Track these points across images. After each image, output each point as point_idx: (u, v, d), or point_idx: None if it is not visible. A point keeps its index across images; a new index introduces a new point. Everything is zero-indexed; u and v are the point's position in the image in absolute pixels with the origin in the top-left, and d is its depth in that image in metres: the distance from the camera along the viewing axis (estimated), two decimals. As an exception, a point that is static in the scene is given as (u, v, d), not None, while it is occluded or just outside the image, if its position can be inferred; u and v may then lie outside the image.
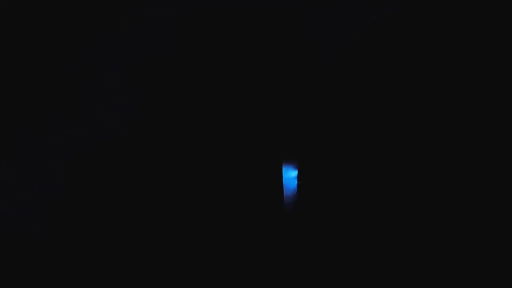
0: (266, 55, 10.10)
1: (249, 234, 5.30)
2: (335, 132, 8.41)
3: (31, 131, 4.45)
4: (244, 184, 6.07)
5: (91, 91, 4.99)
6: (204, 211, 5.27)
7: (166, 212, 5.09)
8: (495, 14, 5.90)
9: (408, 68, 7.12)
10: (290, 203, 8.19)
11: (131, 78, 5.39)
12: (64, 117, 4.76)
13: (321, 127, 8.77)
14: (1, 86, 4.26)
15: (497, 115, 5.95)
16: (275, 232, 5.63)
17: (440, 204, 6.22)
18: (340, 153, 8.28)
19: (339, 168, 8.28)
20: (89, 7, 4.97)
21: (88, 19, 4.97)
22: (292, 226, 6.00)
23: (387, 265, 3.85)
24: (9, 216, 4.15)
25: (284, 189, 8.36)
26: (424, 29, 6.80)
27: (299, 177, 9.57)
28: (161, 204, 5.23)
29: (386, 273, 3.64)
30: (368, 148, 7.75)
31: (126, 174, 5.04)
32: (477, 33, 6.15)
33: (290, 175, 10.14)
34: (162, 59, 5.90)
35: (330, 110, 8.55)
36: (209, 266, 4.19)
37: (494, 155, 5.91)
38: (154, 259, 4.36)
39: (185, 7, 6.22)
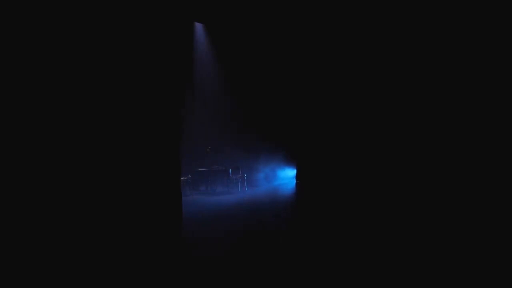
0: (266, 54, 10.03)
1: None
2: (333, 132, 8.41)
3: (30, 131, 4.44)
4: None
5: None
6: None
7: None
8: (494, 15, 5.91)
9: (407, 68, 7.12)
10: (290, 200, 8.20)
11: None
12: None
13: (320, 128, 8.77)
14: (1, 86, 4.24)
15: (495, 114, 5.96)
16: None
17: (437, 203, 6.23)
18: (337, 153, 8.29)
19: (336, 167, 8.28)
20: (89, 7, 4.95)
21: (88, 19, 4.94)
22: (291, 225, 6.01)
23: (383, 262, 3.88)
24: None
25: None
26: (424, 29, 6.81)
27: (297, 176, 9.56)
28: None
29: (383, 270, 3.67)
30: (366, 148, 7.76)
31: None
32: (476, 33, 6.16)
33: (289, 174, 10.13)
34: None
35: (329, 111, 8.55)
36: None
37: (493, 154, 5.92)
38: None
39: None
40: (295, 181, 9.51)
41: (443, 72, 6.59)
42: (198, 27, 10.18)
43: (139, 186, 5.43)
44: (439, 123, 6.63)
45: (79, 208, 4.71)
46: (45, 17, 4.55)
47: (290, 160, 10.17)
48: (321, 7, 8.05)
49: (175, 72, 6.22)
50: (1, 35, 4.22)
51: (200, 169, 9.51)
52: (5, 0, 4.23)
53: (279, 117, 10.00)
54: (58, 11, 4.66)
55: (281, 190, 9.29)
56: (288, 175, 10.36)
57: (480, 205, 5.60)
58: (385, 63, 7.42)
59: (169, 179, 5.92)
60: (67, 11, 4.74)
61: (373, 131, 7.65)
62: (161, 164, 5.75)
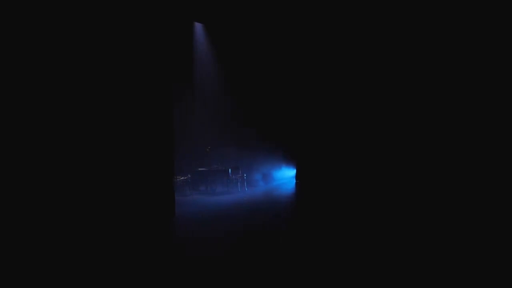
0: (265, 54, 10.01)
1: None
2: (333, 132, 8.42)
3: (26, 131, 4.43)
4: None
5: None
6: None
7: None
8: (494, 15, 5.92)
9: (407, 68, 7.13)
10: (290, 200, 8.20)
11: None
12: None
13: (319, 128, 8.77)
14: (2, 86, 4.25)
15: (496, 114, 5.97)
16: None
17: (436, 203, 6.23)
18: (337, 152, 8.29)
19: (336, 167, 8.28)
20: (87, 6, 4.95)
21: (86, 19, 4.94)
22: (290, 224, 6.01)
23: (381, 260, 3.89)
24: None
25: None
26: (424, 29, 6.81)
27: (297, 176, 9.56)
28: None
29: (381, 269, 3.68)
30: (366, 147, 7.76)
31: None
32: (476, 33, 6.16)
33: (289, 174, 10.12)
34: None
35: (328, 111, 8.55)
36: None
37: (493, 155, 5.93)
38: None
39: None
40: (295, 181, 9.52)
41: (443, 72, 6.60)
42: (198, 27, 10.18)
43: (131, 185, 5.38)
44: (438, 123, 6.64)
45: (68, 206, 4.66)
46: (49, 15, 4.56)
47: (290, 159, 10.17)
48: (321, 7, 8.05)
49: (169, 71, 6.18)
50: None
51: (200, 169, 9.51)
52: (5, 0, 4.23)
53: (279, 117, 10.00)
54: (60, 11, 4.67)
55: (281, 190, 9.29)
56: (287, 174, 10.36)
57: (480, 205, 5.61)
58: (385, 63, 7.43)
59: (162, 177, 5.87)
60: (68, 11, 4.75)
61: (373, 131, 7.66)
62: (154, 162, 5.71)
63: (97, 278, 3.71)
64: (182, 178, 9.04)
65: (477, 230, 4.88)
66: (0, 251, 3.99)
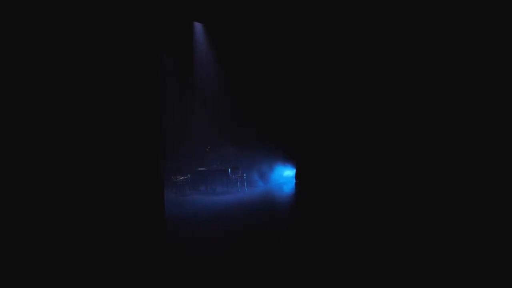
0: (265, 54, 10.01)
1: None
2: (333, 132, 8.42)
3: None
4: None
5: None
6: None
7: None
8: (494, 15, 5.92)
9: (407, 68, 7.13)
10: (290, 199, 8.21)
11: None
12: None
13: (319, 128, 8.77)
14: (2, 86, 4.24)
15: (496, 114, 5.97)
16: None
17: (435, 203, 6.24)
18: (337, 152, 8.30)
19: (336, 167, 8.29)
20: (89, 6, 4.95)
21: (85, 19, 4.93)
22: (290, 223, 6.02)
23: (380, 259, 3.89)
24: None
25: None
26: (424, 29, 6.82)
27: (297, 176, 9.56)
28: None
29: (380, 269, 3.69)
30: (365, 147, 7.77)
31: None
32: (476, 33, 6.17)
33: (289, 174, 10.12)
34: None
35: (328, 111, 8.55)
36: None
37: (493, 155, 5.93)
38: None
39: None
40: (294, 181, 9.53)
41: (443, 72, 6.61)
42: (198, 27, 10.18)
43: (115, 184, 5.25)
44: (438, 122, 6.65)
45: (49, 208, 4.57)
46: (48, 13, 4.53)
47: (289, 159, 10.18)
48: (321, 7, 8.06)
49: (159, 67, 6.08)
50: None
51: (200, 169, 9.52)
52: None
53: (279, 117, 10.01)
54: (59, 9, 4.66)
55: (280, 190, 9.30)
56: (287, 174, 10.36)
57: (480, 205, 5.62)
58: (385, 62, 7.44)
59: (150, 176, 5.74)
60: (67, 10, 4.74)
61: (373, 131, 7.67)
62: (140, 162, 5.58)
63: (95, 279, 3.72)
64: (182, 178, 9.05)
65: (477, 230, 4.88)
66: None
